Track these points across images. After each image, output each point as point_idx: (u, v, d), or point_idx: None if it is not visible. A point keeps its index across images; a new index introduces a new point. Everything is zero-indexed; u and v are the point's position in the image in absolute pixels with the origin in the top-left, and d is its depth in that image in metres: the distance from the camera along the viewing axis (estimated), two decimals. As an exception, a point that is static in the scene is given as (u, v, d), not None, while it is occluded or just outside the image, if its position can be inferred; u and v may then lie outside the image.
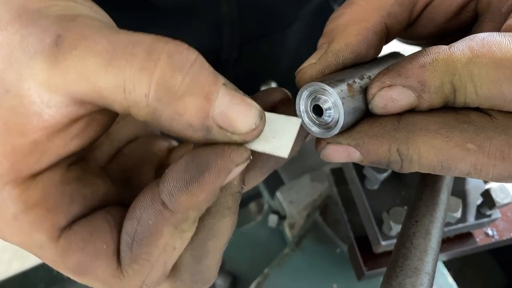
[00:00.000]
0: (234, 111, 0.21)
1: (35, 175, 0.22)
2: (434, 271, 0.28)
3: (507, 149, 0.22)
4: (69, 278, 0.24)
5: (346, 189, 0.49)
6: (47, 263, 0.24)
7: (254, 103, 0.22)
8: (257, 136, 0.23)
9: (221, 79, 0.22)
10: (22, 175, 0.21)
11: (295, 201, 0.61)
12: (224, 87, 0.21)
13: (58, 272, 0.24)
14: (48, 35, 0.20)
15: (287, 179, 0.66)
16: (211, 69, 0.22)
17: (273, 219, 0.61)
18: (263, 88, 0.74)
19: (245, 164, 0.23)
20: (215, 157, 0.22)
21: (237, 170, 0.22)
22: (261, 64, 0.72)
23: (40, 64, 0.20)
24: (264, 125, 0.23)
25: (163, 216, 0.22)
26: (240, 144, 0.22)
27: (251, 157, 0.23)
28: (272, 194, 0.65)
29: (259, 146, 0.23)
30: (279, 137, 0.23)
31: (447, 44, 0.33)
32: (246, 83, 0.76)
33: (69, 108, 0.21)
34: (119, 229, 0.23)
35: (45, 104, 0.20)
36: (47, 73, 0.20)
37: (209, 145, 0.22)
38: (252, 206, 0.87)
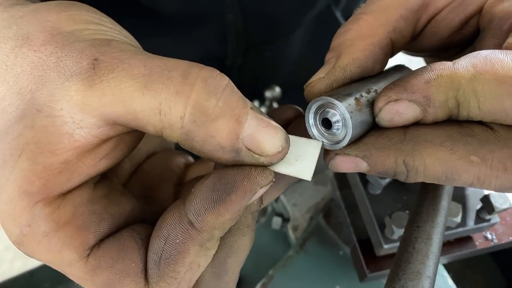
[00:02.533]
0: (262, 133, 0.22)
1: (65, 194, 0.22)
2: (435, 274, 0.29)
3: (509, 161, 0.23)
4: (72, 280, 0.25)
5: (349, 192, 0.50)
6: (75, 280, 0.24)
7: (279, 127, 0.23)
8: (282, 158, 0.24)
9: (249, 103, 0.23)
10: (53, 194, 0.22)
11: (299, 204, 0.63)
12: (252, 110, 0.22)
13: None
14: (85, 58, 0.21)
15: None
16: (240, 93, 0.23)
17: (276, 221, 0.62)
18: (267, 92, 0.75)
19: (268, 186, 0.24)
20: (242, 179, 0.22)
21: (261, 191, 0.23)
22: (264, 69, 0.74)
23: (76, 86, 0.21)
24: (288, 148, 0.24)
25: (190, 234, 0.22)
26: (265, 166, 0.23)
27: (274, 180, 0.24)
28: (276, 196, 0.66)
29: (282, 168, 0.24)
30: (301, 159, 0.25)
31: (450, 56, 0.34)
32: (250, 87, 0.77)
33: (100, 129, 0.21)
34: (146, 246, 0.24)
35: (77, 125, 0.21)
36: (82, 94, 0.21)
37: (235, 166, 0.23)
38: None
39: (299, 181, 0.66)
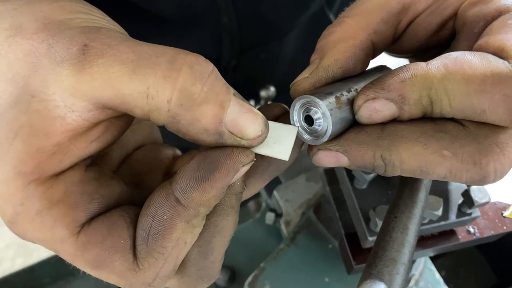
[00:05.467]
0: (243, 118, 0.24)
1: (57, 175, 0.23)
2: (410, 261, 0.31)
3: (478, 155, 0.24)
4: (73, 274, 0.26)
5: (338, 188, 0.52)
6: (65, 258, 0.25)
7: (259, 113, 0.25)
8: (262, 141, 0.26)
9: (232, 90, 0.24)
10: (46, 174, 0.22)
11: (291, 200, 0.64)
12: (234, 97, 0.24)
13: (63, 267, 0.25)
14: (75, 44, 0.22)
15: (284, 179, 0.69)
16: (223, 80, 0.24)
17: (270, 216, 0.64)
18: (262, 92, 0.77)
19: (250, 165, 0.25)
20: (225, 158, 0.24)
21: (243, 170, 0.25)
22: (259, 70, 0.75)
23: (66, 71, 0.22)
24: (267, 132, 0.26)
25: (176, 211, 0.24)
26: (246, 148, 0.25)
27: (255, 159, 0.26)
28: (270, 193, 0.68)
29: (262, 150, 0.26)
30: (279, 142, 0.27)
31: (431, 56, 0.36)
32: (246, 88, 0.79)
33: (91, 113, 0.22)
34: (134, 225, 0.25)
35: (68, 109, 0.22)
36: (72, 79, 0.22)
37: (218, 148, 0.25)
38: (251, 204, 0.90)
39: (292, 177, 0.68)
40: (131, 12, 0.58)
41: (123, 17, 0.60)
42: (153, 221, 0.24)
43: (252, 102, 0.81)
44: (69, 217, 0.23)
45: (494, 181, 0.26)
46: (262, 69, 0.75)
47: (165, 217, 0.24)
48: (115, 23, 0.26)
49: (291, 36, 0.72)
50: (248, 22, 0.63)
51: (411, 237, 0.32)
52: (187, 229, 0.25)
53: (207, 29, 0.63)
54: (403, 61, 0.34)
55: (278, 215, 0.65)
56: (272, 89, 0.78)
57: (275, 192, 0.65)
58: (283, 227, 0.62)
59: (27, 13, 0.23)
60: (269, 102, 0.79)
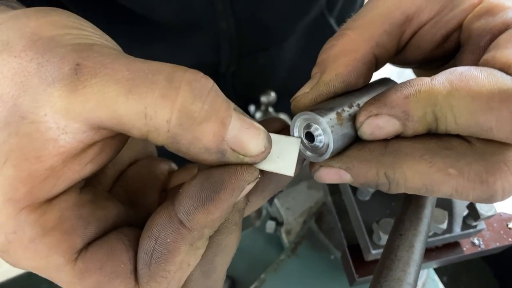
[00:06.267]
0: (245, 134, 0.23)
1: (51, 200, 0.22)
2: (416, 281, 0.30)
3: (485, 174, 0.24)
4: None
5: (340, 198, 0.51)
6: (62, 285, 0.24)
7: (262, 127, 0.24)
8: (266, 157, 0.24)
9: (232, 105, 0.23)
10: (38, 200, 0.21)
11: (292, 208, 0.64)
12: (235, 112, 0.23)
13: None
14: (66, 63, 0.21)
15: (285, 186, 0.68)
16: (223, 95, 0.23)
17: (270, 225, 0.63)
18: (262, 97, 0.76)
19: (255, 182, 0.24)
20: (229, 177, 0.23)
21: (248, 188, 0.24)
22: (259, 75, 0.74)
23: (58, 92, 0.20)
24: (271, 147, 0.25)
25: (180, 234, 0.23)
26: (250, 164, 0.24)
27: (259, 176, 0.25)
28: (270, 200, 0.67)
29: (266, 166, 0.25)
30: (283, 156, 0.26)
31: (434, 67, 0.35)
32: (245, 93, 0.79)
33: (85, 134, 0.21)
34: (133, 248, 0.24)
35: (61, 130, 0.21)
36: (65, 100, 0.20)
37: (222, 166, 0.23)
38: (252, 212, 0.89)
39: (293, 185, 0.67)
40: (129, 18, 0.58)
41: (121, 23, 0.60)
42: (155, 244, 0.23)
43: (252, 107, 0.81)
44: (65, 244, 0.22)
45: (502, 199, 0.25)
46: (261, 74, 0.74)
47: (168, 240, 0.23)
48: (108, 38, 0.25)
49: (290, 40, 0.71)
50: (246, 28, 0.62)
51: (417, 256, 0.31)
52: (191, 252, 0.24)
53: (205, 35, 0.62)
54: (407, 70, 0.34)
55: (279, 224, 0.64)
56: (273, 94, 0.77)
57: (276, 200, 0.65)
58: (284, 236, 0.61)
59: (14, 29, 0.22)
60: (269, 108, 0.79)
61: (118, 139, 0.25)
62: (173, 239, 0.23)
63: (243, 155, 0.23)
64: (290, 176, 0.26)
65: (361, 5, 0.67)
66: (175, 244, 0.23)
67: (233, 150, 0.23)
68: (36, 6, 0.24)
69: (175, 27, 0.60)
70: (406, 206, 0.34)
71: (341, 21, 0.76)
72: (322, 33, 0.73)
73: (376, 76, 0.33)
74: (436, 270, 0.60)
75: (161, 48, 0.63)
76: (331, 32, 0.60)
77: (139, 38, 0.61)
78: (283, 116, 0.77)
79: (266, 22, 0.63)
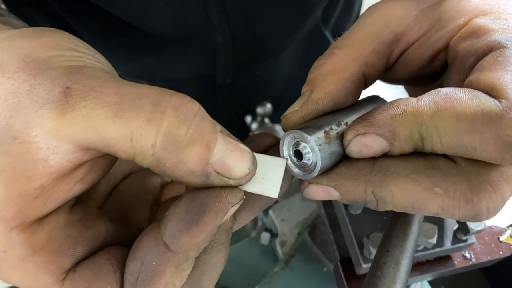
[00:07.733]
0: (230, 157, 0.23)
1: (41, 219, 0.23)
2: (402, 298, 0.31)
3: (470, 193, 0.24)
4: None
5: (333, 211, 0.51)
6: None
7: (247, 149, 0.24)
8: (250, 179, 0.25)
9: (218, 127, 0.24)
10: (28, 220, 0.22)
11: (287, 219, 0.64)
12: (221, 134, 0.23)
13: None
14: (56, 86, 0.21)
15: (279, 198, 0.68)
16: (210, 118, 0.23)
17: (265, 236, 0.63)
18: (258, 108, 0.77)
19: (239, 204, 0.25)
20: (213, 200, 0.23)
21: (233, 210, 0.24)
22: (255, 87, 0.75)
23: (49, 114, 0.21)
24: (255, 170, 0.25)
25: (165, 257, 0.23)
26: (234, 187, 0.24)
27: (244, 197, 0.25)
28: (265, 211, 0.68)
29: (250, 187, 0.26)
30: (268, 177, 0.26)
31: (423, 85, 0.36)
32: (242, 104, 0.79)
33: (74, 154, 0.22)
34: (121, 269, 0.24)
35: (51, 151, 0.21)
36: (55, 122, 0.21)
37: (206, 188, 0.24)
38: (248, 223, 0.89)
39: (288, 196, 0.68)
40: (128, 31, 0.59)
41: (120, 35, 0.61)
42: (142, 266, 0.23)
43: (249, 118, 0.81)
44: (53, 264, 0.23)
45: (487, 218, 0.26)
46: (257, 86, 0.75)
47: (154, 263, 0.23)
48: (100, 58, 0.26)
49: (286, 53, 0.72)
50: (242, 41, 0.63)
51: (402, 273, 0.31)
52: (176, 273, 0.24)
53: (201, 47, 0.63)
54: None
55: (274, 235, 0.64)
56: (269, 105, 0.77)
57: (270, 212, 0.65)
58: (278, 247, 0.62)
59: (8, 50, 0.23)
60: (266, 119, 0.79)
61: (108, 158, 0.25)
62: (159, 262, 0.23)
63: (227, 177, 0.24)
64: (274, 198, 0.26)
65: (357, 16, 0.68)
66: (160, 267, 0.23)
67: (218, 172, 0.23)
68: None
69: (171, 39, 0.61)
70: (394, 222, 0.34)
71: (336, 33, 0.77)
72: (318, 45, 0.74)
73: (368, 89, 0.33)
74: (432, 281, 0.60)
75: (158, 59, 0.64)
76: (326, 44, 0.60)
77: (137, 49, 0.62)
78: (278, 128, 0.78)
79: (261, 36, 0.64)
